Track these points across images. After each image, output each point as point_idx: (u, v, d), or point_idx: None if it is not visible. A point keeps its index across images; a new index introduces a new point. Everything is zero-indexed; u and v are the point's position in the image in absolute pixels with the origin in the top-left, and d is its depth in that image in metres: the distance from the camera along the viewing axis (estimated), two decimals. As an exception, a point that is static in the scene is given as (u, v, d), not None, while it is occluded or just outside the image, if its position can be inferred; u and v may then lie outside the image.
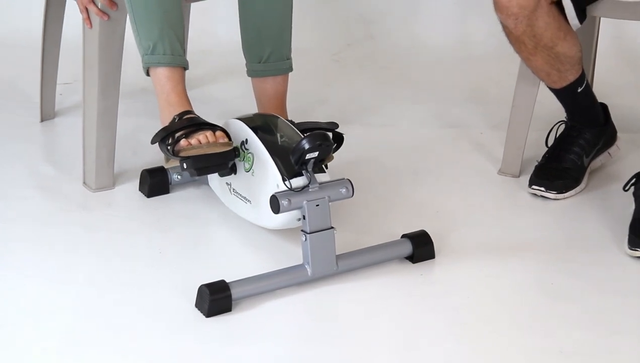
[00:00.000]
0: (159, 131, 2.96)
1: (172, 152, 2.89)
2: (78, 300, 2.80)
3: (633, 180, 3.12)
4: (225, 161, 2.96)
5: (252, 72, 3.25)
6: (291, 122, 3.05)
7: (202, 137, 2.89)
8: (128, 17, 3.06)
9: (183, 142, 2.89)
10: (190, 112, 3.00)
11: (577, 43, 3.19)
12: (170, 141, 2.90)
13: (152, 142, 2.96)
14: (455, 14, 4.29)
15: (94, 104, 3.26)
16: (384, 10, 4.38)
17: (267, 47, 3.21)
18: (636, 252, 2.97)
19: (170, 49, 3.04)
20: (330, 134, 2.90)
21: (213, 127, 2.94)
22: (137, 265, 2.96)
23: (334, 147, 2.98)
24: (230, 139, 2.95)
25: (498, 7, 3.06)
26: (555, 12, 3.10)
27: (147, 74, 3.06)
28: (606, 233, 3.11)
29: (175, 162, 2.93)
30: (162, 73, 3.04)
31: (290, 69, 3.27)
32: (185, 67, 3.09)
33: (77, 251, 3.02)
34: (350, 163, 3.08)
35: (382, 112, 3.80)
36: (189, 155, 2.87)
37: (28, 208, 3.22)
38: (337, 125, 3.00)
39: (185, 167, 2.91)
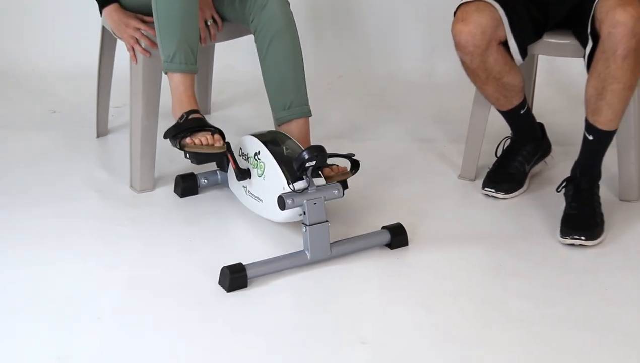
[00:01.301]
0: (170, 128, 2.99)
1: (179, 146, 2.94)
2: (126, 277, 2.82)
3: (564, 183, 3.12)
4: (218, 158, 3.03)
5: (279, 120, 3.19)
6: (319, 146, 2.96)
7: (203, 139, 2.93)
8: (155, 30, 3.07)
9: (188, 139, 2.93)
10: (196, 111, 3.02)
11: (520, 75, 3.19)
12: (178, 136, 2.94)
13: (165, 137, 3.00)
14: (424, 52, 4.28)
15: (139, 123, 3.26)
16: (368, 49, 4.38)
17: (288, 96, 3.16)
18: (566, 240, 2.97)
19: (185, 58, 3.04)
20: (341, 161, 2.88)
21: (212, 130, 2.98)
22: (172, 251, 2.97)
23: (352, 171, 3.03)
24: (224, 140, 2.97)
25: (457, 46, 3.07)
26: (502, 51, 3.10)
27: (165, 72, 3.07)
28: (543, 225, 3.11)
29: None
30: (177, 77, 3.04)
31: (310, 113, 3.20)
32: (195, 73, 3.09)
33: (125, 239, 3.02)
34: (342, 170, 3.08)
35: (366, 130, 3.82)
36: (190, 151, 2.93)
37: (87, 206, 3.22)
38: (354, 155, 2.99)
39: (187, 157, 2.96)
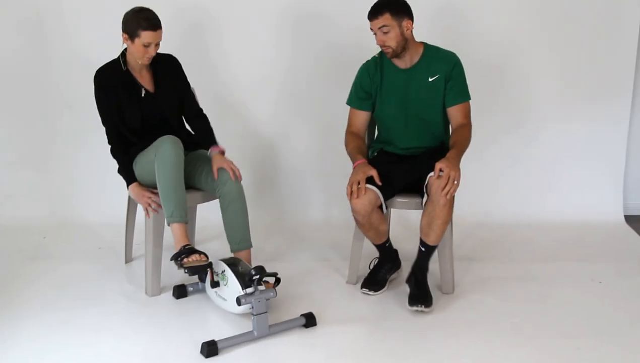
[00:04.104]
0: (174, 254, 3.01)
1: (180, 264, 2.96)
2: (143, 349, 2.80)
3: (408, 277, 3.18)
4: (204, 269, 2.98)
5: (233, 250, 3.20)
6: (261, 266, 2.90)
7: (195, 257, 2.96)
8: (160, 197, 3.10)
9: (185, 259, 2.95)
10: (189, 244, 3.04)
11: (386, 224, 3.23)
12: (179, 259, 2.98)
13: (171, 259, 3.02)
14: (324, 205, 4.23)
15: (150, 253, 3.25)
16: (291, 202, 4.26)
17: (238, 235, 3.19)
18: (412, 307, 3.06)
19: (179, 214, 3.06)
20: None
21: (199, 252, 2.99)
22: (172, 332, 2.95)
23: (275, 283, 2.99)
24: (207, 258, 2.98)
25: (354, 211, 3.07)
26: (379, 211, 3.12)
27: (169, 224, 3.09)
28: (398, 303, 3.16)
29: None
30: (176, 226, 3.07)
31: (251, 246, 3.22)
32: (186, 223, 3.10)
33: (142, 325, 3.01)
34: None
35: (287, 255, 3.72)
36: (187, 266, 2.94)
37: (118, 306, 3.17)
38: (277, 273, 2.99)
39: (185, 271, 2.95)
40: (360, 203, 3.02)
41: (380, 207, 3.11)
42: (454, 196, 2.97)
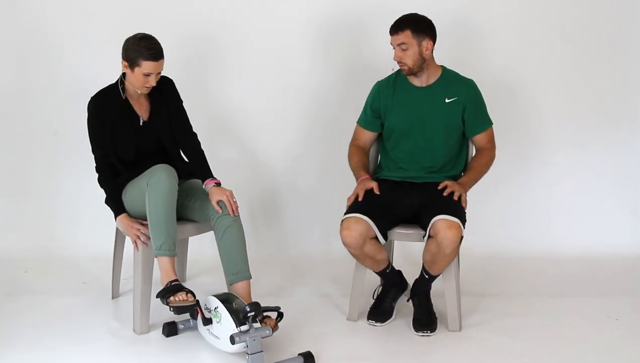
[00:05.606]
0: (160, 291, 2.99)
1: (166, 302, 2.96)
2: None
3: (410, 297, 3.31)
4: (191, 309, 2.99)
5: (230, 281, 3.14)
6: (256, 302, 2.89)
7: (181, 297, 2.94)
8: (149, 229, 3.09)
9: (171, 298, 2.94)
10: (176, 280, 3.03)
11: (386, 253, 3.27)
12: (165, 297, 2.97)
13: (156, 297, 3.00)
14: (324, 238, 4.24)
15: (139, 288, 3.23)
16: (287, 237, 4.28)
17: (236, 266, 3.12)
18: (418, 333, 3.19)
19: (168, 247, 3.05)
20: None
21: (186, 291, 2.96)
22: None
23: (278, 318, 3.00)
24: (194, 297, 2.96)
25: (345, 244, 3.15)
26: (374, 242, 3.16)
27: (156, 256, 3.07)
28: (401, 340, 3.19)
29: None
30: (164, 259, 3.06)
31: (250, 277, 3.15)
32: (175, 256, 3.09)
33: (130, 365, 2.98)
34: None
35: (285, 290, 3.73)
36: (173, 305, 2.94)
37: (104, 345, 3.15)
38: (279, 307, 2.99)
39: (171, 309, 2.95)
40: (350, 235, 3.09)
41: (375, 237, 3.15)
42: (460, 240, 3.03)
